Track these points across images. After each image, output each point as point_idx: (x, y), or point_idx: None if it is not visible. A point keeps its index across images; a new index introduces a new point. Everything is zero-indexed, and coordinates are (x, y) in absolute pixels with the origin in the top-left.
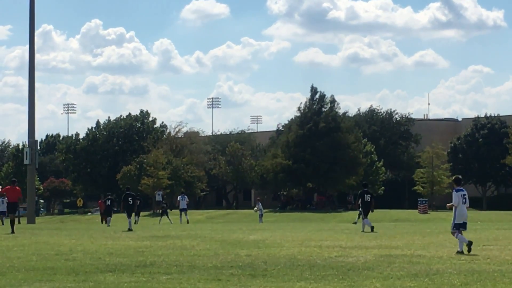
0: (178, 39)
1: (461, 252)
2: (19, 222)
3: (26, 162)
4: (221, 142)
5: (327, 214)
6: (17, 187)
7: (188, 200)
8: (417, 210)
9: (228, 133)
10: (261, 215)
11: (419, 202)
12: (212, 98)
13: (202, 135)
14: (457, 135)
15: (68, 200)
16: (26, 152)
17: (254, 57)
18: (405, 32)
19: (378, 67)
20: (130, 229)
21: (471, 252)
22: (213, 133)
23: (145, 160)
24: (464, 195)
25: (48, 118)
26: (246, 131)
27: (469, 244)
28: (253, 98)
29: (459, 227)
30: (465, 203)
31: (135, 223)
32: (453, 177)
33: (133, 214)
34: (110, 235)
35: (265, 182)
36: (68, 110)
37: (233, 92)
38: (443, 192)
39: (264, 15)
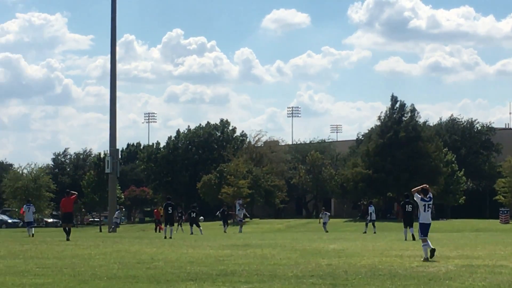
0: (259, 49)
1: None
2: (104, 231)
3: (107, 170)
4: (301, 151)
5: None
6: (72, 197)
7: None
8: (499, 220)
9: (308, 142)
10: (325, 223)
11: (501, 212)
12: (292, 107)
13: (282, 144)
14: None
15: (148, 209)
16: (108, 161)
17: (334, 66)
18: (487, 40)
19: (460, 76)
20: (168, 237)
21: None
22: (293, 142)
23: (225, 169)
24: (429, 204)
25: (129, 127)
26: (326, 140)
27: (432, 250)
28: (333, 107)
29: (424, 230)
30: (427, 211)
31: (225, 229)
32: (421, 187)
33: (174, 223)
34: (190, 243)
35: (345, 191)
36: (149, 119)
37: (313, 101)
38: None
39: (344, 24)
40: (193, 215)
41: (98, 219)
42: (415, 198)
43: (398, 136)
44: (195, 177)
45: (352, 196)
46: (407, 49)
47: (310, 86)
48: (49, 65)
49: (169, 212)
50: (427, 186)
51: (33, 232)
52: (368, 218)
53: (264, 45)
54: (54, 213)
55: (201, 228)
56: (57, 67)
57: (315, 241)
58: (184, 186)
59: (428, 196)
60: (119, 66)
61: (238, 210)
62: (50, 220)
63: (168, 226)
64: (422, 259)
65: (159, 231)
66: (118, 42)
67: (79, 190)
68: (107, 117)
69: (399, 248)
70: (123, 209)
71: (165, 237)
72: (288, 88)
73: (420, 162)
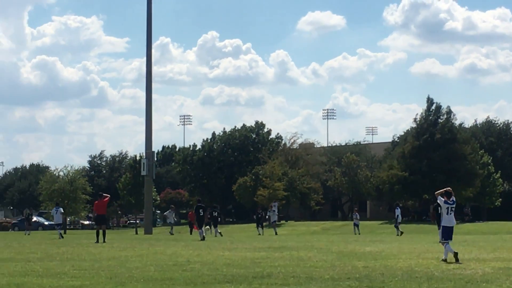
0: (294, 51)
1: (445, 260)
2: (139, 233)
3: (143, 173)
4: (336, 153)
5: None
6: (105, 199)
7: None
8: None
9: (343, 144)
10: (356, 224)
11: None
12: (328, 109)
13: (318, 146)
14: None
15: (184, 211)
16: (143, 163)
17: (370, 68)
18: None
19: (496, 77)
20: (202, 239)
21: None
22: (329, 145)
23: (260, 171)
24: (453, 207)
25: (165, 130)
26: (361, 143)
27: (456, 254)
28: (368, 109)
29: (447, 234)
30: (450, 214)
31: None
32: (445, 190)
33: (204, 225)
34: (226, 246)
35: (381, 193)
36: (184, 121)
37: (348, 103)
38: None
39: (380, 26)
40: (215, 214)
41: (134, 221)
42: (438, 201)
43: (434, 138)
44: (231, 180)
45: (388, 198)
46: (443, 51)
47: (345, 88)
48: (85, 68)
49: (201, 214)
50: (450, 189)
51: (62, 234)
52: (398, 221)
53: (299, 47)
54: (90, 215)
55: (217, 229)
56: (93, 70)
57: (351, 243)
58: (220, 188)
59: (451, 199)
60: (154, 69)
61: (269, 212)
62: (86, 222)
63: (202, 228)
64: (442, 259)
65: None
66: (154, 45)
67: (115, 193)
68: (142, 119)
69: (435, 250)
70: (174, 208)
71: (201, 240)
72: (324, 90)
73: (456, 164)
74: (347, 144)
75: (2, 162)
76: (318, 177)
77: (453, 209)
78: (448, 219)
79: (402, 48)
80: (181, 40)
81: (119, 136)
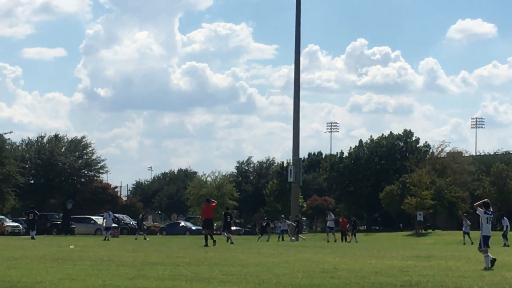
0: (444, 59)
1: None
2: (286, 239)
3: (290, 179)
4: (485, 162)
5: None
6: (212, 204)
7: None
8: None
9: (492, 153)
10: (466, 233)
11: None
12: (476, 118)
13: (466, 155)
14: None
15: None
16: (290, 169)
17: None
18: None
19: None
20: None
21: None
22: (477, 153)
23: (407, 180)
24: (491, 217)
25: (311, 137)
26: (511, 152)
27: (493, 261)
28: None
29: (486, 241)
30: (489, 223)
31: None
32: (483, 201)
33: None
34: (373, 253)
35: None
36: (331, 128)
37: (498, 112)
38: None
39: None
40: (228, 219)
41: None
42: (477, 212)
43: None
44: (377, 187)
45: None
46: None
47: (495, 97)
48: (234, 74)
49: (228, 220)
50: (488, 200)
51: (108, 237)
52: (505, 230)
53: (449, 55)
54: (237, 220)
55: (230, 235)
56: (242, 76)
57: (500, 253)
58: (366, 196)
59: (489, 209)
60: (302, 76)
61: (280, 222)
62: (233, 228)
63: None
64: (483, 268)
65: (346, 241)
66: (302, 52)
67: (262, 199)
68: (290, 126)
69: None
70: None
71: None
72: (473, 99)
73: None
74: (496, 153)
75: (151, 167)
76: (466, 186)
77: (492, 218)
78: (488, 228)
79: None
80: (330, 47)
81: (267, 142)
